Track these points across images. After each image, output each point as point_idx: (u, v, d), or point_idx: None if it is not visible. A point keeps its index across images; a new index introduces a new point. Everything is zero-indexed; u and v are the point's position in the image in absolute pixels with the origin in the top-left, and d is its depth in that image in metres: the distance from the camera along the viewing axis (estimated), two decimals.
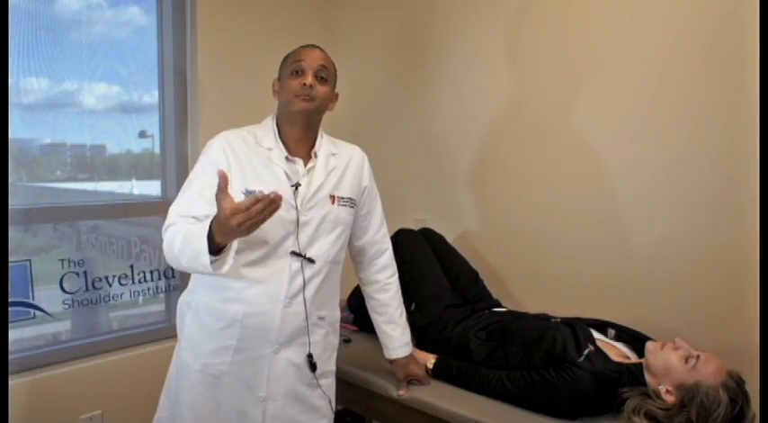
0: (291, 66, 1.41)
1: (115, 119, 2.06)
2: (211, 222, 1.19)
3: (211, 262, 1.19)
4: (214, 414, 1.41)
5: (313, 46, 1.45)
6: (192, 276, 1.48)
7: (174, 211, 1.35)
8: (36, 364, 1.86)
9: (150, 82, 2.12)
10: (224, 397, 1.40)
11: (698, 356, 1.40)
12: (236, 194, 1.31)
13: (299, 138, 1.45)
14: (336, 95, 1.49)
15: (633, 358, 1.59)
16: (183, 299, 1.49)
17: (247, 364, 1.40)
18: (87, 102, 1.98)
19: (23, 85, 1.82)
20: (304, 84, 1.37)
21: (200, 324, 1.42)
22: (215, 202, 1.18)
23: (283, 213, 1.36)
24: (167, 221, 1.34)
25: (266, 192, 1.23)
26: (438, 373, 1.71)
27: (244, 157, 1.40)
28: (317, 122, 1.47)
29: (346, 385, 1.75)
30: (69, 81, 1.93)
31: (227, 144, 1.40)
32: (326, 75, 1.42)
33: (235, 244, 1.23)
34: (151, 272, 2.16)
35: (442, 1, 2.25)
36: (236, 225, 1.12)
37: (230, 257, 1.23)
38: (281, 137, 1.45)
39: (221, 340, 1.39)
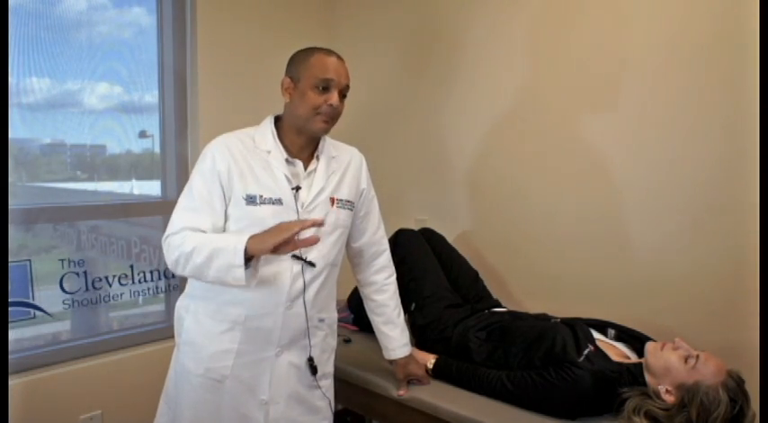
0: (317, 80, 1.35)
1: (115, 119, 2.06)
2: (249, 237, 1.25)
3: (246, 275, 1.25)
4: (215, 418, 1.41)
5: (336, 55, 1.40)
6: (189, 280, 1.47)
7: (177, 220, 1.36)
8: (36, 364, 1.86)
9: (150, 82, 2.12)
10: (226, 401, 1.40)
11: (697, 356, 1.40)
12: (238, 200, 1.34)
13: (304, 144, 1.43)
14: None
15: (633, 358, 1.59)
16: (181, 303, 1.48)
17: (249, 367, 1.40)
18: (88, 102, 1.98)
19: (24, 86, 1.82)
20: (330, 104, 1.35)
21: (200, 328, 1.41)
22: (214, 213, 1.34)
23: (284, 217, 1.35)
24: (170, 229, 1.35)
25: (266, 196, 1.34)
26: (438, 372, 1.71)
27: (243, 161, 1.38)
28: None
29: (346, 385, 1.75)
30: (70, 81, 1.93)
31: (226, 149, 1.38)
32: (347, 92, 1.41)
33: (261, 259, 1.29)
34: (151, 272, 2.16)
35: (447, 1, 2.25)
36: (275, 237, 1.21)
37: (258, 269, 1.29)
38: (281, 139, 1.43)
39: (223, 344, 1.39)
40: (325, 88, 1.35)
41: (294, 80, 1.39)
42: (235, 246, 1.24)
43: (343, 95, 1.39)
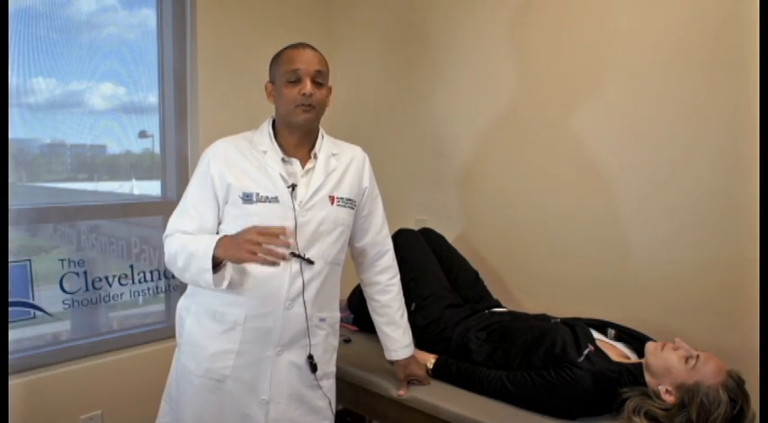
0: (287, 74, 1.38)
1: (115, 119, 2.07)
2: (218, 240, 1.30)
3: (213, 280, 1.30)
4: (217, 418, 1.41)
5: (303, 46, 1.41)
6: None
7: (171, 223, 1.43)
8: (36, 364, 1.86)
9: (151, 82, 2.13)
10: (227, 401, 1.40)
11: (698, 356, 1.40)
12: (235, 199, 1.37)
13: (298, 142, 1.44)
14: (330, 89, 1.46)
15: (633, 358, 1.59)
16: (182, 303, 1.49)
17: (250, 367, 1.40)
18: (88, 102, 1.98)
19: (24, 86, 1.82)
20: (303, 93, 1.36)
21: (200, 328, 1.42)
22: (203, 217, 1.38)
23: (280, 214, 1.36)
24: (166, 231, 1.43)
25: (263, 194, 1.37)
26: (438, 373, 1.70)
27: (238, 162, 1.40)
28: (316, 125, 1.47)
29: (347, 385, 1.75)
30: (70, 81, 1.93)
31: (221, 152, 1.41)
32: (322, 78, 1.40)
33: (229, 264, 1.33)
34: (151, 272, 2.16)
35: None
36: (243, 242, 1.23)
37: (228, 272, 1.33)
38: (278, 139, 1.44)
39: (223, 344, 1.39)
40: (296, 79, 1.37)
41: (273, 83, 1.44)
42: (205, 250, 1.29)
43: (318, 82, 1.39)
